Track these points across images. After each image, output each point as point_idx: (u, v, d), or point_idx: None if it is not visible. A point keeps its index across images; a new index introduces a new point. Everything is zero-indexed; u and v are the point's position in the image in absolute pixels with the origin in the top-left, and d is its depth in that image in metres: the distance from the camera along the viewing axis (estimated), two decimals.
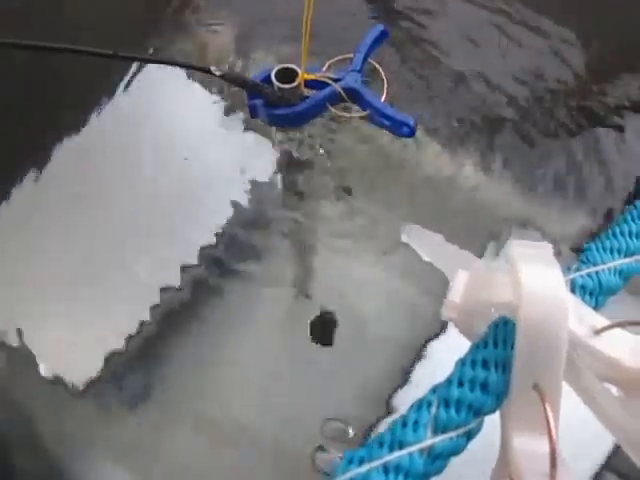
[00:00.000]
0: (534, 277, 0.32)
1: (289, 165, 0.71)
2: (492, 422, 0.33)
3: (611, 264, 0.38)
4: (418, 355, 0.60)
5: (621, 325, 0.33)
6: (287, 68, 0.65)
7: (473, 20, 0.82)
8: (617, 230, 0.41)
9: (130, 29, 0.83)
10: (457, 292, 0.38)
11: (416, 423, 0.30)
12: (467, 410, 0.30)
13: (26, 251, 0.68)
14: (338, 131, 0.72)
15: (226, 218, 0.68)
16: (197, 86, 0.78)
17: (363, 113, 0.67)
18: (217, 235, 0.67)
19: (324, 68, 0.71)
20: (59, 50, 0.56)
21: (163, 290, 0.65)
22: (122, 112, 0.77)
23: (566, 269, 0.38)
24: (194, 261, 0.66)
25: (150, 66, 0.79)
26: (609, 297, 0.38)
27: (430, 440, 0.29)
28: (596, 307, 0.37)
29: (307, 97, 0.66)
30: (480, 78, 0.77)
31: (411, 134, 0.64)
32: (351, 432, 0.57)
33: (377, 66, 0.73)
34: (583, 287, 0.37)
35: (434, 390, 0.32)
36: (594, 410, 0.35)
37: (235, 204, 0.69)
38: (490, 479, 0.35)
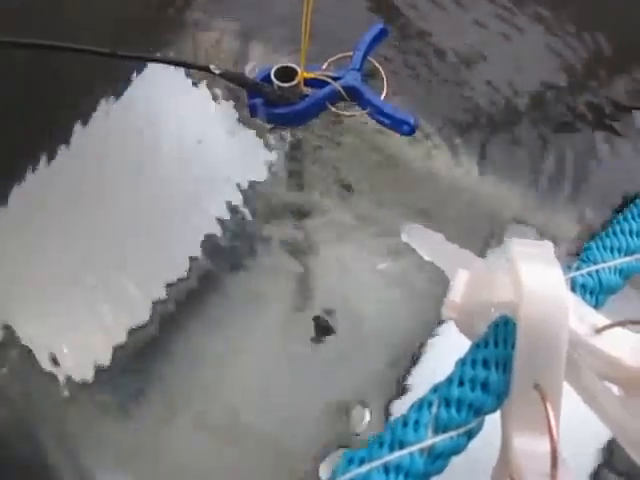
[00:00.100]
0: (534, 276, 0.32)
1: (289, 164, 0.71)
2: (492, 422, 0.33)
3: (611, 263, 0.38)
4: (418, 355, 0.60)
5: (622, 324, 0.33)
6: (287, 67, 0.65)
7: (474, 19, 0.82)
8: (617, 228, 0.41)
9: (130, 29, 0.83)
10: (457, 292, 0.38)
11: (417, 423, 0.30)
12: (468, 409, 0.30)
13: (26, 251, 0.68)
14: (338, 130, 0.71)
15: (226, 217, 0.68)
16: (196, 85, 0.78)
17: (363, 112, 0.67)
18: (217, 235, 0.67)
19: (324, 67, 0.71)
20: (59, 49, 0.56)
21: (163, 290, 0.64)
22: (122, 112, 0.77)
23: (566, 268, 0.38)
24: (194, 261, 0.66)
25: (150, 65, 0.79)
26: (609, 296, 0.38)
27: (431, 440, 0.29)
28: (596, 306, 0.37)
29: (307, 96, 0.66)
30: (480, 77, 0.77)
31: (411, 132, 0.64)
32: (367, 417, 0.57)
33: (377, 64, 0.73)
34: (583, 286, 0.37)
35: (435, 389, 0.32)
36: (594, 409, 0.35)
37: (235, 203, 0.69)
38: (490, 479, 0.35)
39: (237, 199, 0.69)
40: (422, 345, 0.60)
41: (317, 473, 0.55)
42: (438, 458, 0.29)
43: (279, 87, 0.64)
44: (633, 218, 0.42)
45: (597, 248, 0.39)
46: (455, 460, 0.30)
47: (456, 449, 0.30)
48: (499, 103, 0.75)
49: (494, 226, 0.66)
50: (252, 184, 0.70)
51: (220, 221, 0.68)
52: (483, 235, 0.66)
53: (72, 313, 0.64)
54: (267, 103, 0.64)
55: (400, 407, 0.57)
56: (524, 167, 0.70)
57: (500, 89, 0.76)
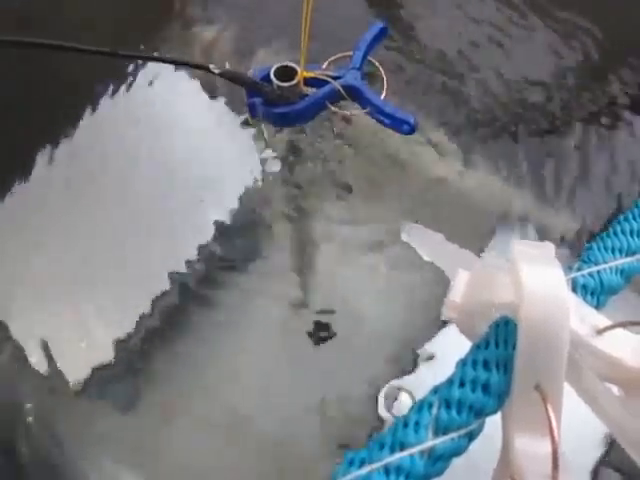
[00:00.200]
0: (535, 277, 0.32)
1: (289, 164, 0.71)
2: (493, 423, 0.33)
3: (612, 263, 0.38)
4: (418, 354, 0.60)
5: (623, 325, 0.33)
6: (286, 66, 0.65)
7: (474, 18, 0.82)
8: (618, 229, 0.41)
9: (130, 29, 0.83)
10: (458, 292, 0.38)
11: (417, 424, 0.30)
12: (468, 411, 0.30)
13: (26, 251, 0.68)
14: (337, 129, 0.71)
15: (226, 217, 0.68)
16: (196, 84, 0.78)
17: (363, 111, 0.66)
18: (217, 234, 0.67)
19: (324, 66, 0.71)
20: (59, 49, 0.56)
21: (163, 290, 0.64)
22: (122, 112, 0.77)
23: (567, 268, 0.38)
24: (194, 260, 0.66)
25: (150, 65, 0.79)
26: (610, 296, 0.38)
27: (431, 441, 0.29)
28: (597, 307, 0.37)
29: (306, 95, 0.66)
30: (480, 77, 0.77)
31: (411, 132, 0.64)
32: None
33: (377, 64, 0.73)
34: (584, 287, 0.37)
35: (435, 391, 0.32)
36: (595, 410, 0.35)
37: (235, 203, 0.69)
38: None
39: (236, 199, 0.69)
40: (422, 345, 0.60)
41: (317, 473, 0.55)
42: (439, 460, 0.29)
43: (279, 86, 0.64)
44: (634, 218, 0.41)
45: (598, 248, 0.39)
46: (455, 461, 0.30)
47: (457, 451, 0.30)
48: (499, 103, 0.75)
49: (493, 226, 0.66)
50: (251, 184, 0.70)
51: (220, 221, 0.68)
52: (482, 234, 0.66)
53: (72, 313, 0.64)
54: (267, 102, 0.64)
55: (400, 407, 0.58)
56: (524, 167, 0.70)
57: (500, 89, 0.76)
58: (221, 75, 0.62)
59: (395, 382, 0.58)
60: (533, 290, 0.32)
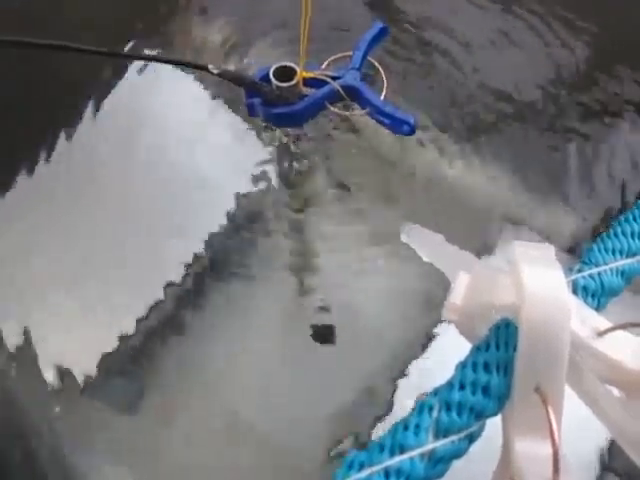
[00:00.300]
0: (536, 278, 0.32)
1: (288, 164, 0.71)
2: (493, 425, 0.33)
3: (613, 265, 0.38)
4: (418, 354, 0.60)
5: (623, 327, 0.33)
6: (285, 66, 0.65)
7: (474, 19, 0.82)
8: (619, 230, 0.41)
9: (129, 29, 0.83)
10: (458, 294, 0.38)
11: (417, 427, 0.30)
12: (469, 413, 0.30)
13: (26, 251, 0.68)
14: (337, 130, 0.71)
15: (225, 217, 0.68)
16: (196, 84, 0.78)
17: (362, 111, 0.66)
18: (216, 234, 0.67)
19: (323, 66, 0.71)
20: (59, 49, 0.56)
21: (163, 289, 0.64)
22: (122, 112, 0.77)
23: (568, 270, 0.38)
24: (193, 261, 0.66)
25: (149, 65, 0.79)
26: (611, 298, 0.38)
27: (431, 444, 0.29)
28: (598, 308, 0.37)
29: (306, 96, 0.65)
30: (480, 77, 0.77)
31: (411, 132, 0.64)
32: None
33: (376, 64, 0.72)
34: (585, 288, 0.37)
35: (435, 393, 0.32)
36: (596, 412, 0.35)
37: (234, 203, 0.69)
38: None
39: (236, 199, 0.69)
40: (422, 346, 0.60)
41: (316, 474, 0.55)
42: (439, 462, 0.29)
43: (278, 87, 0.64)
44: (634, 219, 0.41)
45: (598, 250, 0.39)
46: (455, 463, 0.30)
47: (457, 453, 0.30)
48: (499, 103, 0.75)
49: (493, 227, 0.66)
50: (251, 184, 0.70)
51: (219, 221, 0.68)
52: (481, 235, 0.66)
53: (72, 313, 0.64)
54: (265, 103, 0.64)
55: (401, 406, 0.58)
56: (523, 167, 0.70)
57: (500, 89, 0.76)
58: (220, 75, 0.62)
59: None
60: (534, 292, 0.32)
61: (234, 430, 0.58)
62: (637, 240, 0.40)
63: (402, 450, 0.29)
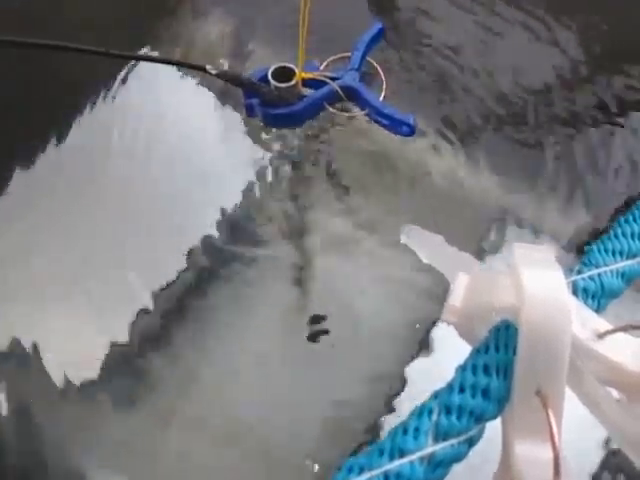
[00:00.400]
0: (536, 280, 0.32)
1: (287, 164, 0.71)
2: (493, 428, 0.32)
3: (613, 266, 0.38)
4: (418, 354, 0.60)
5: (624, 329, 0.33)
6: (284, 67, 0.65)
7: (473, 19, 0.82)
8: (619, 231, 0.41)
9: (129, 29, 0.83)
10: (458, 296, 0.37)
11: (417, 430, 0.30)
12: (468, 417, 0.30)
13: (26, 251, 0.68)
14: (336, 130, 0.71)
15: (225, 218, 0.68)
16: (196, 84, 0.78)
17: (362, 112, 0.66)
18: (215, 236, 0.67)
19: (322, 67, 0.71)
20: (59, 49, 0.56)
21: (162, 290, 0.64)
22: (121, 112, 0.76)
23: (568, 271, 0.38)
24: (193, 261, 0.66)
25: (148, 65, 0.78)
26: (611, 300, 0.38)
27: (431, 448, 0.29)
28: (598, 310, 0.37)
29: (305, 96, 0.65)
30: (480, 78, 0.77)
31: (410, 133, 0.64)
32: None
33: (375, 65, 0.72)
34: (585, 290, 0.37)
35: (435, 396, 0.32)
36: (596, 414, 0.35)
37: (234, 204, 0.69)
38: None
39: (235, 200, 0.69)
40: (422, 346, 0.60)
41: (316, 475, 0.55)
42: (438, 466, 0.29)
43: (276, 87, 0.64)
44: (635, 220, 0.41)
45: (599, 251, 0.39)
46: (455, 467, 0.30)
47: (457, 457, 0.30)
48: (498, 104, 0.75)
49: (492, 227, 0.66)
50: (250, 184, 0.70)
51: (219, 221, 0.68)
52: (481, 236, 0.66)
53: (71, 313, 0.64)
54: (264, 103, 0.64)
55: (400, 407, 0.58)
56: (523, 168, 0.70)
57: (499, 89, 0.76)
58: (218, 76, 0.62)
59: None
60: (534, 293, 0.32)
61: (233, 430, 0.58)
62: (637, 241, 0.40)
63: (402, 454, 0.29)
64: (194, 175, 0.71)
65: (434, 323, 0.61)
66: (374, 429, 0.57)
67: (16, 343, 0.62)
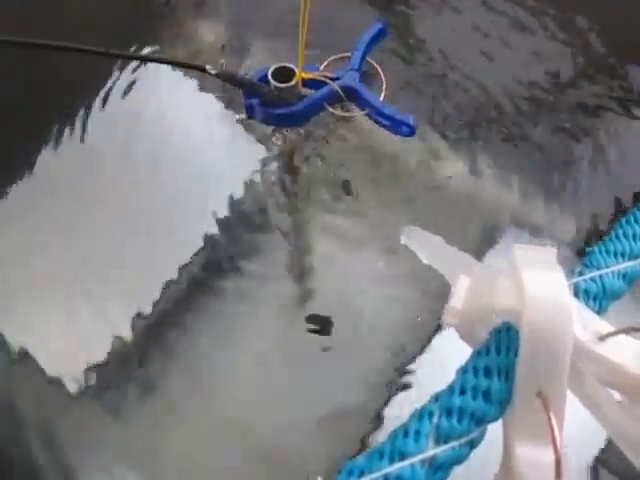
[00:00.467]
0: (537, 282, 0.32)
1: (287, 165, 0.71)
2: (494, 430, 0.32)
3: (615, 268, 0.38)
4: (418, 354, 0.60)
5: (625, 331, 0.33)
6: (284, 67, 0.64)
7: (473, 19, 0.82)
8: (620, 232, 0.41)
9: (129, 29, 0.83)
10: (458, 298, 0.37)
11: (417, 433, 0.29)
12: (469, 419, 0.30)
13: (26, 251, 0.68)
14: (336, 131, 0.71)
15: (225, 218, 0.68)
16: (196, 84, 0.78)
17: (362, 112, 0.66)
18: (216, 234, 0.67)
19: (322, 67, 0.71)
20: (59, 49, 0.56)
21: (162, 290, 0.64)
22: (121, 112, 0.76)
23: (569, 273, 0.37)
24: (193, 261, 0.66)
25: (148, 65, 0.78)
26: (613, 301, 0.38)
27: (432, 450, 0.29)
28: (599, 312, 0.37)
29: (305, 96, 0.65)
30: (480, 78, 0.76)
31: (411, 134, 0.64)
32: None
33: (375, 65, 0.72)
34: (587, 291, 0.37)
35: (436, 398, 0.31)
36: (597, 416, 0.35)
37: (234, 204, 0.69)
38: None
39: (235, 200, 0.69)
40: (422, 346, 0.60)
41: (317, 473, 0.55)
42: (439, 469, 0.29)
43: (276, 87, 0.63)
44: (636, 221, 0.41)
45: (600, 252, 0.39)
46: (456, 470, 0.30)
47: (458, 459, 0.30)
48: (499, 104, 0.75)
49: (493, 228, 0.66)
50: (250, 184, 0.70)
51: (219, 221, 0.68)
52: (481, 237, 0.66)
53: (71, 313, 0.64)
54: (264, 104, 0.64)
55: (399, 408, 0.58)
56: (523, 168, 0.70)
57: (500, 90, 0.76)
58: (217, 76, 0.61)
59: None
60: (535, 295, 0.31)
61: (233, 431, 0.58)
62: (639, 242, 0.40)
63: (402, 456, 0.28)
64: (194, 175, 0.71)
65: (434, 324, 0.61)
66: (374, 429, 0.57)
67: (16, 343, 0.62)
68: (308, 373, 0.60)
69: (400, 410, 0.57)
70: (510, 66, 0.78)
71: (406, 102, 0.72)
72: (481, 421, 0.31)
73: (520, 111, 0.74)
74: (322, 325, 0.62)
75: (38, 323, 0.63)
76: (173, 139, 0.74)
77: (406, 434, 0.30)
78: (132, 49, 0.78)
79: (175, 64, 0.71)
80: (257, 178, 0.70)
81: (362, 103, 0.66)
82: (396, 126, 0.64)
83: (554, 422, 0.30)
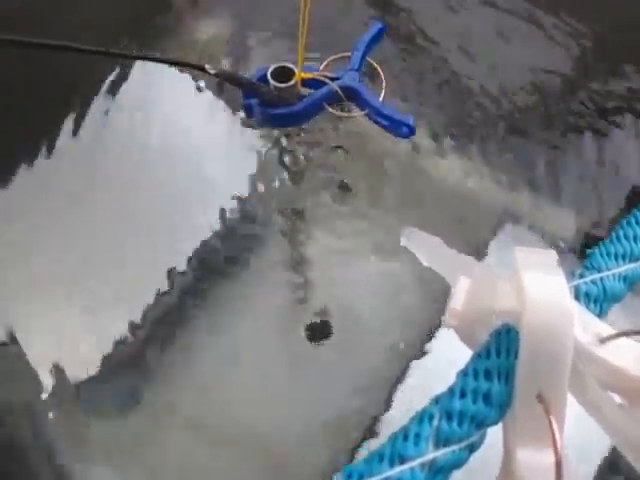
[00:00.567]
0: (538, 284, 0.32)
1: (286, 166, 0.71)
2: (494, 433, 0.32)
3: (616, 270, 0.38)
4: (418, 355, 0.60)
5: (627, 334, 0.33)
6: (284, 67, 0.64)
7: (473, 19, 0.82)
8: (621, 234, 0.41)
9: (128, 29, 0.83)
10: (459, 299, 0.37)
11: (417, 436, 0.29)
12: (470, 422, 0.30)
13: (26, 251, 0.68)
14: (335, 131, 0.71)
15: (224, 217, 0.68)
16: (196, 84, 0.78)
17: (361, 113, 0.66)
18: (216, 234, 0.67)
19: (321, 67, 0.71)
20: (59, 49, 0.56)
21: (162, 290, 0.64)
22: (121, 112, 0.77)
23: (570, 275, 0.37)
24: (193, 261, 0.66)
25: (148, 65, 0.79)
26: (613, 304, 0.38)
27: (432, 454, 0.29)
28: (600, 314, 0.37)
29: (304, 96, 0.65)
30: (480, 79, 0.76)
31: (410, 134, 0.64)
32: None
33: (375, 65, 0.72)
34: (587, 294, 0.36)
35: (436, 401, 0.31)
36: (598, 419, 0.34)
37: (233, 204, 0.69)
38: None
39: (235, 199, 0.69)
40: (422, 346, 0.60)
41: (315, 475, 0.55)
42: (439, 473, 0.28)
43: (276, 87, 0.63)
44: (637, 223, 0.41)
45: (601, 255, 0.39)
46: (455, 473, 0.30)
47: (458, 463, 0.29)
48: (498, 104, 0.75)
49: (492, 229, 0.66)
50: (250, 185, 0.70)
51: (219, 221, 0.68)
52: (481, 238, 0.66)
53: (71, 313, 0.64)
54: (263, 104, 0.64)
55: (399, 408, 0.58)
56: (523, 169, 0.70)
57: (500, 91, 0.76)
58: (217, 75, 0.62)
59: None
60: (535, 298, 0.31)
61: (233, 430, 0.58)
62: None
63: (402, 460, 0.28)
64: (194, 175, 0.71)
65: (434, 325, 0.61)
66: (373, 430, 0.57)
67: (16, 343, 0.62)
68: (308, 373, 0.60)
69: (400, 411, 0.57)
70: (511, 67, 0.78)
71: (406, 102, 0.72)
72: (481, 424, 0.30)
73: (520, 111, 0.74)
74: (322, 325, 0.62)
75: (38, 323, 0.63)
76: (173, 139, 0.74)
77: (406, 437, 0.29)
78: (132, 49, 0.78)
79: (175, 64, 0.72)
80: (256, 179, 0.70)
81: (362, 103, 0.66)
82: (396, 126, 0.64)
83: (555, 425, 0.30)
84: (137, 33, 0.82)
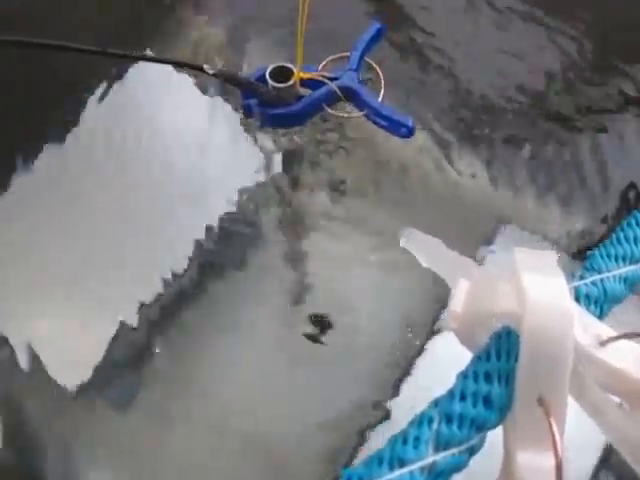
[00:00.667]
0: (538, 286, 0.32)
1: (285, 166, 0.70)
2: (494, 435, 0.32)
3: (616, 272, 0.38)
4: (418, 355, 0.60)
5: (627, 337, 0.33)
6: (282, 67, 0.64)
7: (473, 19, 0.82)
8: (621, 235, 0.40)
9: (128, 29, 0.83)
10: (459, 301, 0.37)
11: (417, 439, 0.29)
12: (470, 425, 0.30)
13: (26, 251, 0.68)
14: (334, 132, 0.71)
15: (224, 217, 0.68)
16: (196, 84, 0.77)
17: (360, 113, 0.66)
18: (215, 234, 0.67)
19: (320, 67, 0.70)
20: (59, 49, 0.56)
21: (161, 290, 0.64)
22: (121, 112, 0.77)
23: (570, 277, 0.37)
24: (192, 261, 0.66)
25: (148, 65, 0.78)
26: (614, 305, 0.38)
27: (432, 457, 0.28)
28: (600, 316, 0.37)
29: (303, 96, 0.65)
30: (480, 79, 0.76)
31: (409, 134, 0.64)
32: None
33: (374, 65, 0.72)
34: (587, 296, 0.36)
35: (435, 404, 0.31)
36: (597, 421, 0.34)
37: (233, 204, 0.69)
38: None
39: (234, 200, 0.69)
40: (421, 346, 0.60)
41: (315, 474, 0.55)
42: (439, 476, 0.28)
43: (274, 87, 0.63)
44: (637, 224, 0.41)
45: (601, 256, 0.39)
46: (455, 476, 0.30)
47: (457, 466, 0.29)
48: (497, 104, 0.75)
49: (492, 230, 0.66)
50: (249, 185, 0.70)
51: (219, 221, 0.68)
52: (480, 239, 0.66)
53: (71, 313, 0.64)
54: (262, 103, 0.64)
55: (397, 408, 0.58)
56: (523, 170, 0.70)
57: (498, 90, 0.76)
58: (215, 76, 0.61)
59: None
60: (536, 300, 0.31)
61: (232, 431, 0.58)
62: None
63: (401, 463, 0.28)
64: (194, 175, 0.71)
65: (433, 327, 0.60)
66: (373, 430, 0.57)
67: (15, 343, 0.62)
68: (308, 373, 0.60)
69: (400, 412, 0.57)
70: (511, 69, 0.78)
71: (405, 103, 0.72)
72: (481, 427, 0.30)
73: (520, 112, 0.74)
74: (321, 326, 0.62)
75: (38, 323, 0.63)
76: (173, 139, 0.74)
77: (405, 441, 0.29)
78: (132, 49, 0.78)
79: (173, 64, 0.71)
80: (257, 178, 0.70)
81: (360, 103, 0.66)
82: (394, 127, 0.64)
83: (555, 428, 0.29)
84: (137, 33, 0.82)
